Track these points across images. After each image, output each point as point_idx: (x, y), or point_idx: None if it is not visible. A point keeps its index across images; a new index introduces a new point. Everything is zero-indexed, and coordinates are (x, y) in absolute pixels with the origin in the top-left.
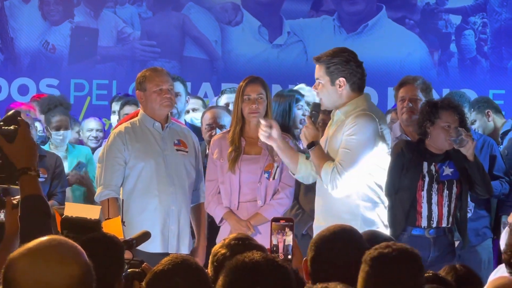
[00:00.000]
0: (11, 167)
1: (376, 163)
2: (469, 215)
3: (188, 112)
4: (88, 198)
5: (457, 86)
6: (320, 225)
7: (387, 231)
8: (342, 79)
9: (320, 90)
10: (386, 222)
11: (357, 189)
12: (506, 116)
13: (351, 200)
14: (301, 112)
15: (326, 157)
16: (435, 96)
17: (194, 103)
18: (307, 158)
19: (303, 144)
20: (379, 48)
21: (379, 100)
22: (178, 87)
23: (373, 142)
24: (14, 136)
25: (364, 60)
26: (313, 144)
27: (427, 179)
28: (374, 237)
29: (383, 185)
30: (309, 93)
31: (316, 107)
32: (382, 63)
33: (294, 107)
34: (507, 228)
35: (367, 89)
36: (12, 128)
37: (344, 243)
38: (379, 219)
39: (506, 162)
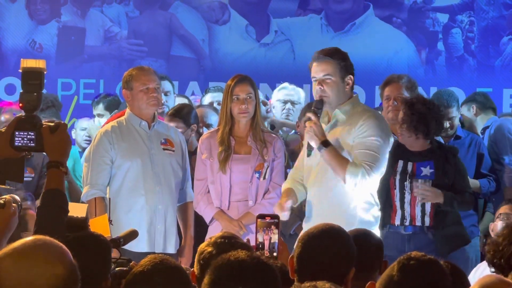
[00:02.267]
0: None
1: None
2: None
3: None
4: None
5: (444, 85)
6: (315, 221)
7: (378, 231)
8: (351, 76)
9: (331, 86)
10: (378, 222)
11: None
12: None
13: (352, 201)
14: (264, 108)
15: (343, 157)
16: (423, 94)
17: (179, 102)
18: (309, 155)
19: (312, 142)
20: (366, 46)
21: (367, 99)
22: (167, 86)
23: (389, 144)
24: (56, 129)
25: (351, 59)
26: (326, 143)
27: (398, 177)
28: (363, 236)
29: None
30: (292, 92)
31: (318, 104)
32: (370, 62)
33: None
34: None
35: (355, 87)
36: (55, 123)
37: (332, 241)
38: (373, 220)
39: (492, 151)
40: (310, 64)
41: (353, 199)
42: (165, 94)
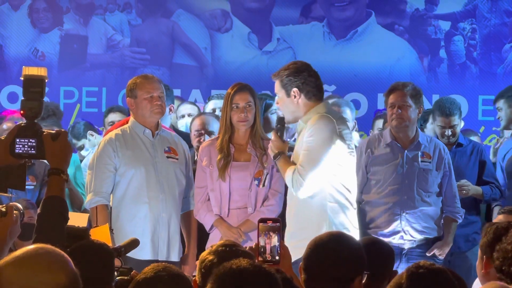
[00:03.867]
0: (0, 175)
1: (338, 163)
2: (459, 221)
3: (183, 116)
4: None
5: (446, 92)
6: (289, 230)
7: (356, 232)
8: (295, 89)
9: (280, 104)
10: (355, 224)
11: (323, 190)
12: (495, 122)
13: (318, 201)
14: (275, 116)
15: (290, 164)
16: (425, 101)
17: (189, 108)
18: (277, 171)
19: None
20: (368, 54)
21: (369, 106)
22: None
23: (331, 141)
24: (57, 136)
25: (354, 66)
26: (277, 155)
27: None
28: (373, 245)
29: (351, 187)
30: None
31: (280, 121)
32: (372, 69)
33: (262, 110)
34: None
35: (357, 95)
36: (56, 130)
37: (338, 244)
38: (347, 221)
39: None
40: None
41: (322, 202)
42: None
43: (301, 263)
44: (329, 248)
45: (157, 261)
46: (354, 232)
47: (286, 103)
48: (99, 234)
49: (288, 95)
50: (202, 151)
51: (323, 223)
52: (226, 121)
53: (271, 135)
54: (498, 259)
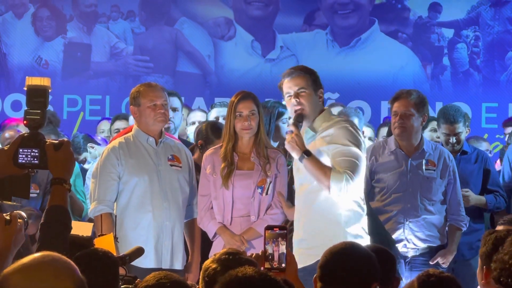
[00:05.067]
0: (4, 183)
1: None
2: (464, 229)
3: (194, 123)
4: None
5: (450, 100)
6: (300, 238)
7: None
8: (321, 90)
9: (306, 99)
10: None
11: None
12: (498, 129)
13: (333, 209)
14: (286, 125)
15: (325, 165)
16: (429, 109)
17: (200, 116)
18: (288, 165)
19: (293, 153)
20: (372, 61)
21: (372, 114)
22: (176, 102)
23: (363, 149)
24: (60, 146)
25: (357, 74)
26: (308, 152)
27: None
28: (377, 253)
29: (363, 194)
30: None
31: (300, 118)
32: (375, 77)
33: (274, 118)
34: None
35: (360, 103)
36: (59, 140)
37: (352, 249)
38: (361, 229)
39: None
40: (281, 83)
41: (336, 210)
42: (173, 110)
43: (314, 278)
44: (344, 255)
45: (160, 269)
46: (368, 239)
47: (314, 99)
48: (103, 243)
49: (316, 93)
50: (206, 159)
51: (338, 231)
52: (229, 130)
53: (292, 129)
54: (496, 270)
